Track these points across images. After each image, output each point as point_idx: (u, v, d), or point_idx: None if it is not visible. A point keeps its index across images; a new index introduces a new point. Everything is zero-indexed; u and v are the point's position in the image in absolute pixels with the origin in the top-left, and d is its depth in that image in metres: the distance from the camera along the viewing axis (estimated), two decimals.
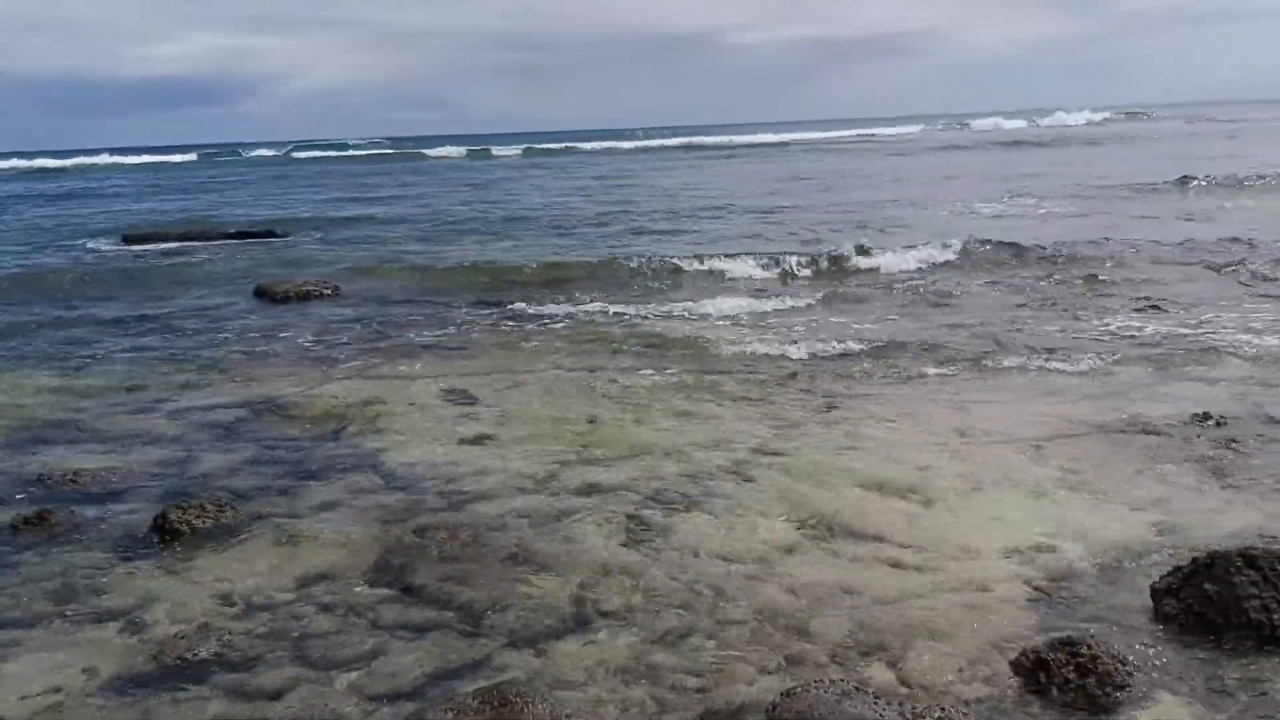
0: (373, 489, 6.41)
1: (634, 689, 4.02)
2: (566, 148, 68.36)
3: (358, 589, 5.00)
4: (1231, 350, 8.97)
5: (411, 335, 11.35)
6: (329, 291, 14.14)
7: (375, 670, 4.26)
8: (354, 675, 4.23)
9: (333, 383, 9.23)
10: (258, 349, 10.87)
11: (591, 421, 7.67)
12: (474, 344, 10.82)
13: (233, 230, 22.27)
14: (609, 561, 5.18)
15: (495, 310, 12.77)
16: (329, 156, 68.70)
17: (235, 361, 10.27)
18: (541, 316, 12.25)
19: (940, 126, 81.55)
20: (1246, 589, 4.22)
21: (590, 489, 6.24)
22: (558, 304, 12.99)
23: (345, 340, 11.18)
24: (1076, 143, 50.02)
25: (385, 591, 4.97)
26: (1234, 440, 6.54)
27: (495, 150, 65.56)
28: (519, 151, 63.91)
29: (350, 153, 72.44)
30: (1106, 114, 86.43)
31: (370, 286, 14.93)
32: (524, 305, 12.89)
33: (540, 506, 5.99)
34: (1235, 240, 15.43)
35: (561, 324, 11.77)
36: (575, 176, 40.49)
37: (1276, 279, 12.59)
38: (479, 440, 7.35)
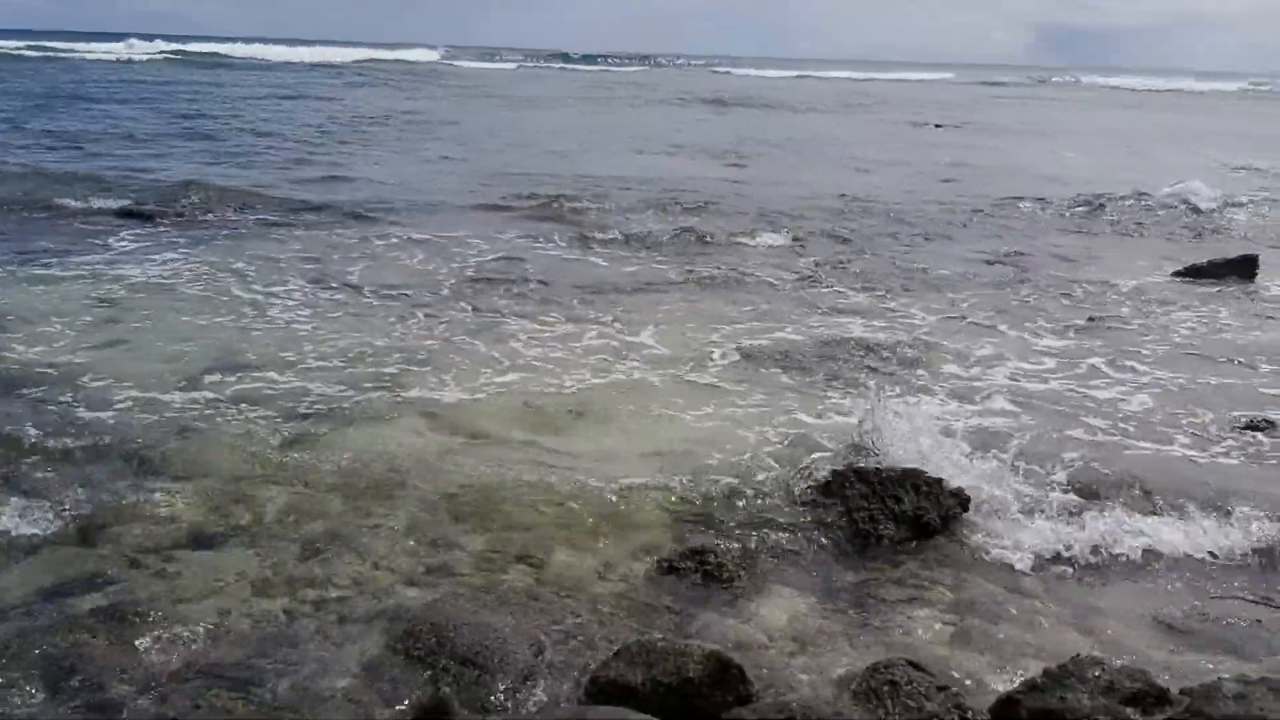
0: None
1: (268, 602, 3.88)
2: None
3: None
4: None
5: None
6: None
7: None
8: None
9: None
10: None
11: (241, 328, 7.26)
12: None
13: None
14: (249, 471, 4.96)
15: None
16: None
17: None
18: None
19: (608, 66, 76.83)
20: (858, 501, 4.66)
21: (233, 395, 5.94)
22: None
23: None
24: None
25: None
26: (863, 363, 7.13)
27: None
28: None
29: None
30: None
31: None
32: None
33: (176, 413, 5.63)
34: None
35: None
36: None
37: None
38: (112, 344, 6.80)
